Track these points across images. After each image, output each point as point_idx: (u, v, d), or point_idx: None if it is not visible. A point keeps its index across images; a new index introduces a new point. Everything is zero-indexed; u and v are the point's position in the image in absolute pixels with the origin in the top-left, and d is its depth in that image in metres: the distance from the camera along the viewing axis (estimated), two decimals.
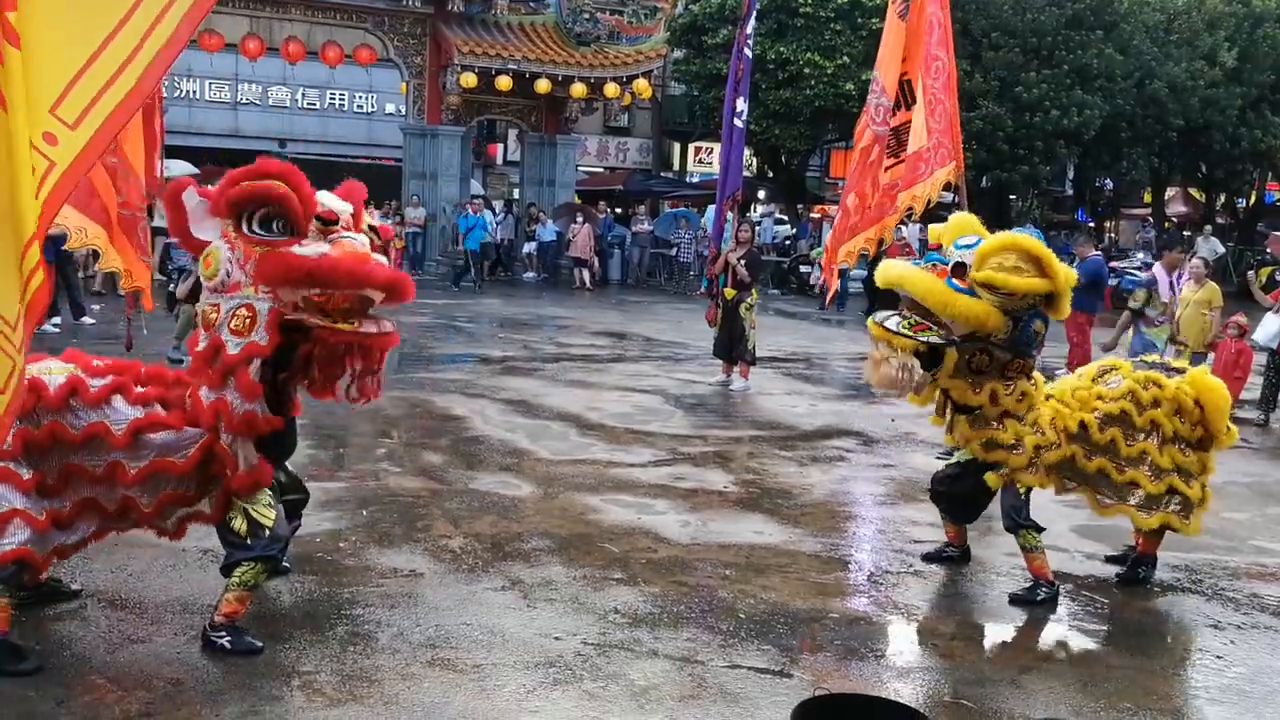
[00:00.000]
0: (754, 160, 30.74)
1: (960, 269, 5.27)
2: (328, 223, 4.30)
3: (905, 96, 9.03)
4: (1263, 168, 32.00)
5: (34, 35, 3.17)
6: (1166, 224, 35.47)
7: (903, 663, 4.79)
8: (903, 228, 16.42)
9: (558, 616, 4.99)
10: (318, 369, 4.47)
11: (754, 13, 12.07)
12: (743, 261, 11.32)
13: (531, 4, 24.73)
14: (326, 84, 33.78)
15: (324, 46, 22.59)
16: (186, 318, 11.11)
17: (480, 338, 14.58)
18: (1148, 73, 26.27)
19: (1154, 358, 6.53)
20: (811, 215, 30.53)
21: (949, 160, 8.86)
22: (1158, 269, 10.96)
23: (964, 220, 5.72)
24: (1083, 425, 5.54)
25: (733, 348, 11.45)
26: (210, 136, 33.53)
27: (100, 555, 5.15)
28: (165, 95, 25.90)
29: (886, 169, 9.03)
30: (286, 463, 4.96)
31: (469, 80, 22.14)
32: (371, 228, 4.60)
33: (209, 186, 4.38)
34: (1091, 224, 34.09)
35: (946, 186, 9.18)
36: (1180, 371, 5.85)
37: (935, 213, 11.22)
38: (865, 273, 13.14)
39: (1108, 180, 34.06)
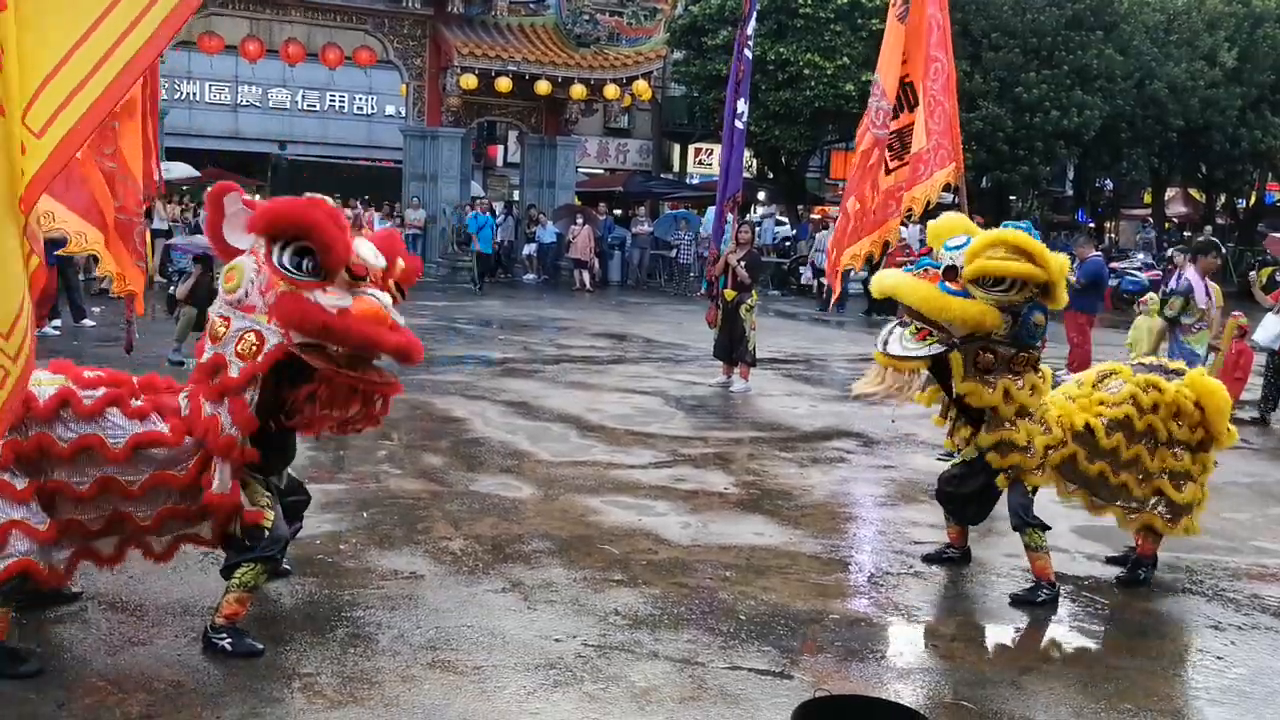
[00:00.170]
0: (754, 161, 30.78)
1: (952, 272, 5.28)
2: (357, 276, 4.28)
3: (907, 98, 9.03)
4: (1263, 168, 32.01)
5: (10, 39, 3.09)
6: (1166, 224, 35.51)
7: (903, 664, 4.78)
8: (903, 229, 16.43)
9: (558, 618, 4.99)
10: (318, 407, 4.39)
11: (754, 14, 12.08)
12: (743, 263, 11.32)
13: (531, 5, 24.76)
14: (326, 86, 33.82)
15: (324, 48, 22.62)
16: (187, 319, 11.13)
17: (480, 339, 14.59)
18: (1148, 73, 26.28)
19: (1150, 360, 6.52)
20: (812, 216, 30.54)
21: (948, 161, 8.87)
22: (1191, 274, 10.80)
23: (953, 221, 5.71)
24: (1088, 428, 5.54)
25: (733, 349, 11.45)
26: (210, 139, 33.58)
27: None
28: (165, 97, 25.95)
29: (890, 171, 9.03)
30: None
31: (469, 82, 22.17)
32: (399, 285, 4.56)
33: (255, 197, 4.39)
34: (1092, 225, 34.10)
35: (946, 188, 9.18)
36: (1180, 374, 5.85)
37: (935, 214, 11.20)
38: (865, 274, 13.15)
39: (1108, 181, 34.07)
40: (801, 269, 24.68)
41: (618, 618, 5.02)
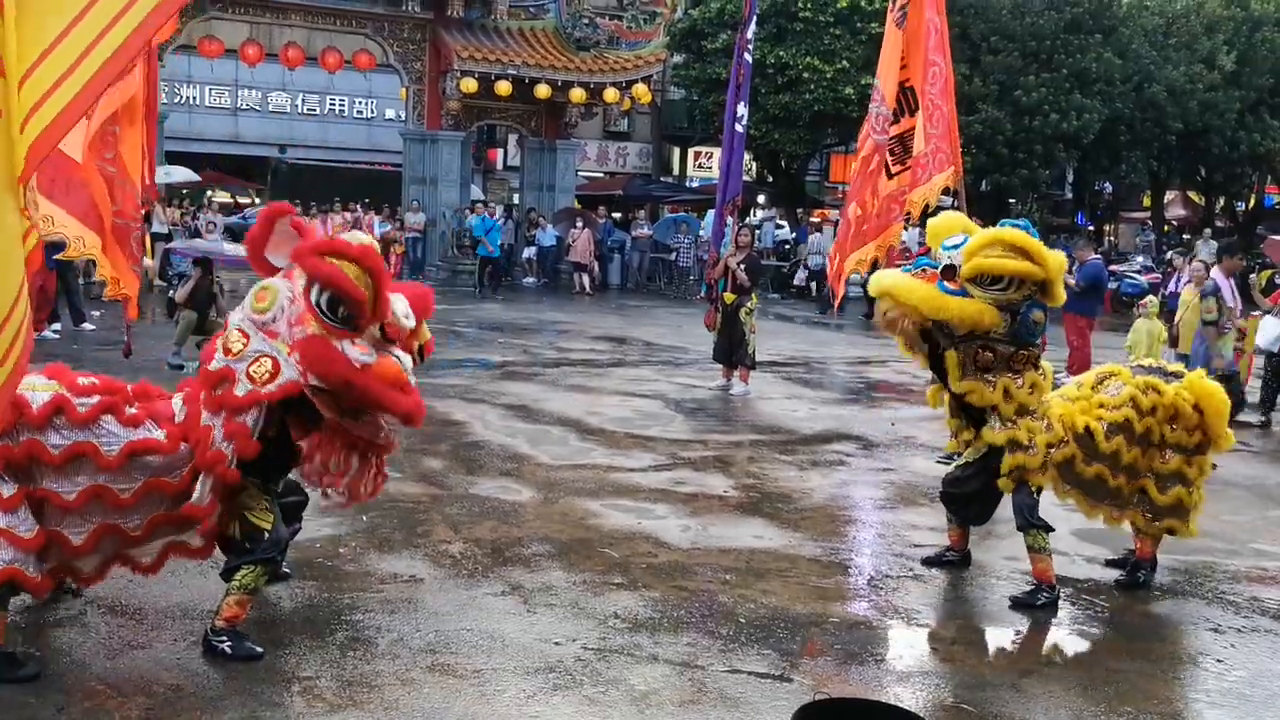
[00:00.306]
0: (753, 165, 30.79)
1: (950, 271, 5.29)
2: (389, 339, 4.33)
3: (908, 103, 9.05)
4: (1262, 171, 31.99)
5: (9, 17, 3.09)
6: (1166, 227, 35.50)
7: (903, 667, 4.78)
8: (902, 233, 16.46)
9: (558, 621, 4.98)
10: (318, 456, 4.45)
11: (754, 18, 12.09)
12: (742, 266, 11.32)
13: (531, 9, 24.77)
14: (326, 89, 33.86)
15: (323, 52, 22.64)
16: (186, 323, 11.13)
17: (480, 343, 14.59)
18: (1146, 76, 26.29)
19: (1149, 362, 6.52)
20: (811, 220, 30.54)
21: (947, 165, 8.89)
22: (1218, 276, 10.73)
23: (951, 220, 5.73)
24: (1088, 431, 5.54)
25: (733, 352, 11.45)
26: (210, 142, 33.61)
27: None
28: (165, 101, 25.97)
29: (892, 176, 9.05)
30: None
31: (469, 85, 22.17)
32: (421, 348, 4.62)
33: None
34: (1091, 227, 34.06)
35: (945, 191, 9.20)
36: (1179, 376, 5.85)
37: (933, 217, 11.22)
38: (864, 278, 13.18)
39: (1107, 184, 34.06)
40: (800, 270, 24.72)
41: (617, 621, 5.02)
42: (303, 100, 34.77)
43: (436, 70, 23.26)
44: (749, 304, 11.34)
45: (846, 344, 16.54)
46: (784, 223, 31.27)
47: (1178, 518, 5.74)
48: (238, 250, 12.92)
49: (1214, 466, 6.06)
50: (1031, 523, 5.54)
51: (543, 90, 22.81)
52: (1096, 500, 5.70)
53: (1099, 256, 15.27)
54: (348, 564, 5.61)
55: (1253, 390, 11.45)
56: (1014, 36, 25.56)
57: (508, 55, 22.72)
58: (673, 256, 25.72)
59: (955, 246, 5.34)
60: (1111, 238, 37.18)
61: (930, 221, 5.85)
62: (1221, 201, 35.32)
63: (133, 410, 4.27)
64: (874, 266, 9.47)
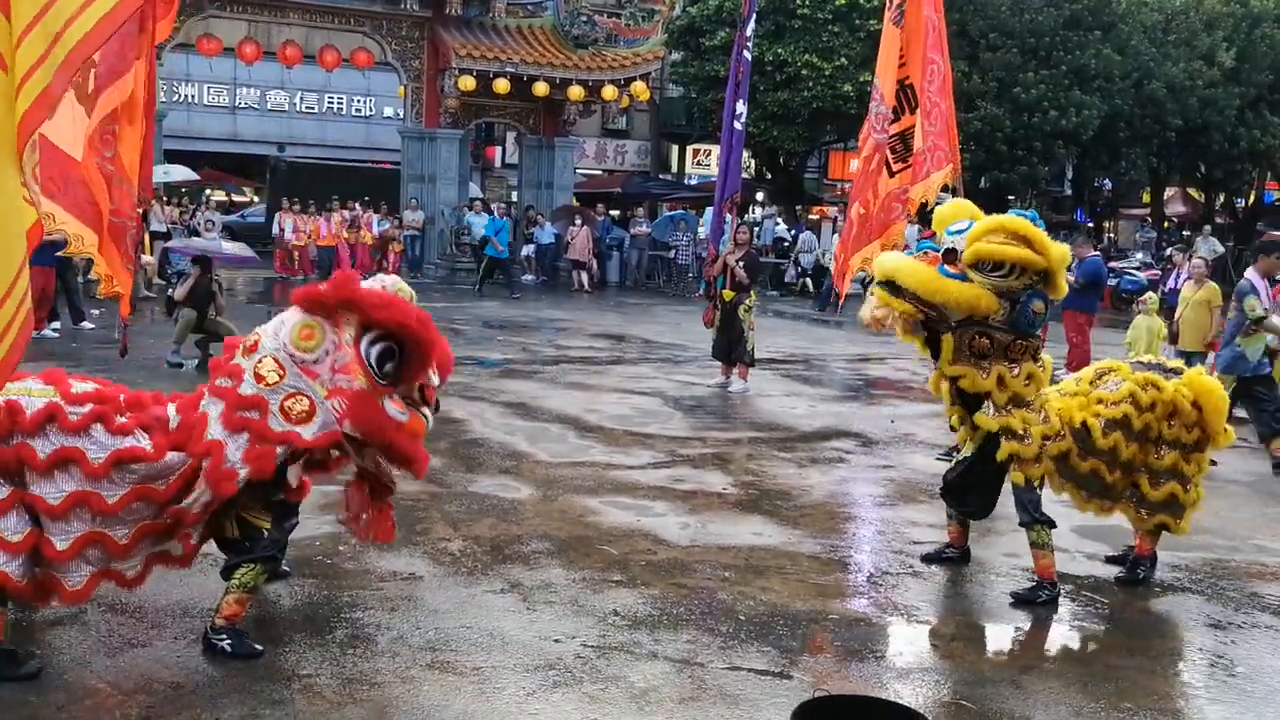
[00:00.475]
0: (752, 162, 30.77)
1: (951, 254, 5.31)
2: (426, 400, 4.43)
3: (908, 100, 9.05)
4: (1261, 167, 31.99)
5: None
6: (1165, 224, 35.51)
7: (903, 663, 4.79)
8: (905, 230, 16.47)
9: (557, 619, 4.99)
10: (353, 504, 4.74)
11: (753, 15, 12.08)
12: (741, 263, 11.32)
13: (529, 7, 24.77)
14: (324, 88, 33.83)
15: (321, 50, 22.63)
16: (185, 321, 11.12)
17: (479, 340, 14.59)
18: (1146, 73, 26.29)
19: (1148, 358, 6.52)
20: (810, 217, 30.54)
21: (946, 163, 8.89)
22: (1253, 276, 10.62)
23: (957, 206, 5.76)
24: (1085, 426, 5.54)
25: (731, 349, 11.45)
26: (209, 141, 33.60)
27: None
28: (163, 99, 25.94)
29: (894, 174, 9.06)
30: None
31: (467, 83, 22.16)
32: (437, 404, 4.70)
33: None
34: (1090, 224, 34.07)
35: (945, 189, 9.20)
36: (1178, 373, 5.85)
37: (931, 215, 11.23)
38: (864, 274, 13.17)
39: (1106, 180, 34.07)
40: (790, 267, 24.77)
41: (617, 618, 5.02)
42: (301, 98, 34.75)
43: (435, 68, 23.25)
44: (748, 301, 11.34)
45: (846, 341, 16.54)
46: (780, 220, 31.28)
47: (1170, 514, 5.74)
48: (236, 248, 12.93)
49: (1213, 463, 6.05)
50: (1035, 519, 5.54)
51: (541, 88, 22.81)
52: (1091, 494, 5.69)
53: (1098, 253, 15.25)
54: (347, 562, 5.62)
55: None
56: (1013, 33, 25.56)
57: (506, 53, 22.71)
58: (671, 254, 25.72)
59: (959, 232, 5.37)
60: (1111, 234, 37.19)
61: (937, 209, 5.87)
62: (1221, 198, 35.33)
63: (123, 419, 4.24)
64: None
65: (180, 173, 26.57)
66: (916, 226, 19.57)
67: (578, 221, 23.73)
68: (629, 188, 33.98)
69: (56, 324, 13.07)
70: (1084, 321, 12.60)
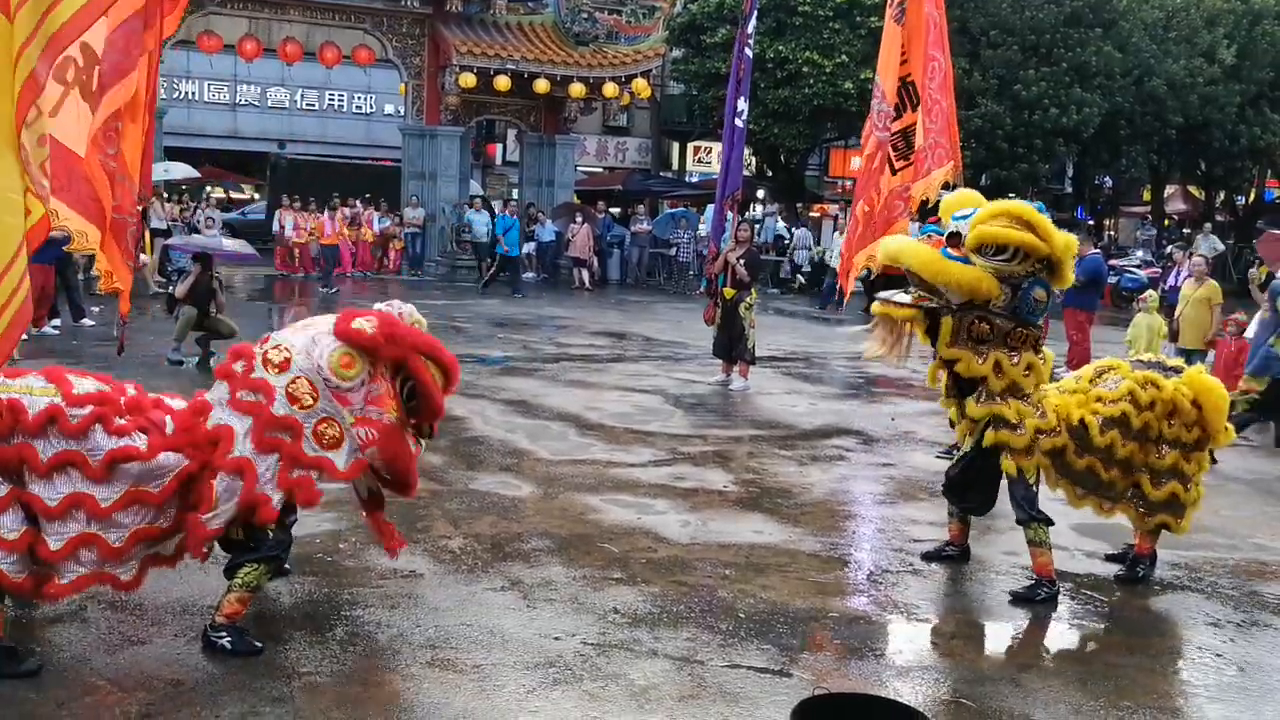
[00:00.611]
0: (752, 160, 30.75)
1: (955, 238, 5.34)
2: (432, 434, 4.78)
3: (910, 98, 9.05)
4: (1262, 165, 31.98)
5: None
6: (1166, 222, 35.49)
7: (902, 662, 4.79)
8: (909, 227, 16.49)
9: (557, 617, 4.99)
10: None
11: (755, 12, 12.07)
12: (742, 261, 11.32)
13: (530, 4, 24.74)
14: (325, 85, 33.81)
15: (322, 47, 22.60)
16: (186, 319, 11.12)
17: (479, 338, 14.59)
18: (1146, 70, 26.27)
19: (1148, 356, 6.52)
20: (810, 214, 30.52)
21: (946, 160, 8.90)
22: None
23: (965, 195, 5.80)
24: (1082, 424, 5.53)
25: (732, 347, 11.45)
26: (209, 138, 33.57)
27: None
28: (163, 96, 25.91)
29: (896, 172, 9.07)
30: None
31: (468, 80, 22.14)
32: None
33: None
34: (1091, 222, 34.06)
35: (945, 186, 9.20)
36: (1178, 371, 5.85)
37: (932, 212, 11.23)
38: (866, 271, 13.18)
39: (1107, 178, 34.06)
40: (784, 263, 24.79)
41: (617, 616, 5.03)
42: (302, 95, 34.71)
43: (435, 65, 23.23)
44: (749, 299, 11.34)
45: (847, 339, 16.53)
46: (780, 218, 31.27)
47: (1171, 513, 5.74)
48: (237, 245, 12.93)
49: (1213, 460, 6.05)
50: (1032, 516, 5.55)
51: (542, 85, 22.79)
52: (1086, 490, 5.69)
53: (1099, 251, 15.27)
54: (347, 559, 5.62)
55: None
56: (1013, 30, 25.54)
57: (507, 50, 22.69)
58: (672, 252, 25.72)
59: (964, 217, 5.40)
60: (1111, 232, 37.17)
61: (945, 197, 5.89)
62: (1221, 196, 35.32)
63: (122, 421, 4.24)
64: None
65: (180, 170, 26.55)
66: (918, 224, 19.60)
67: (578, 219, 23.72)
68: (630, 185, 33.96)
69: (57, 321, 13.07)
70: (1084, 319, 12.60)
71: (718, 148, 25.96)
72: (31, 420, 4.06)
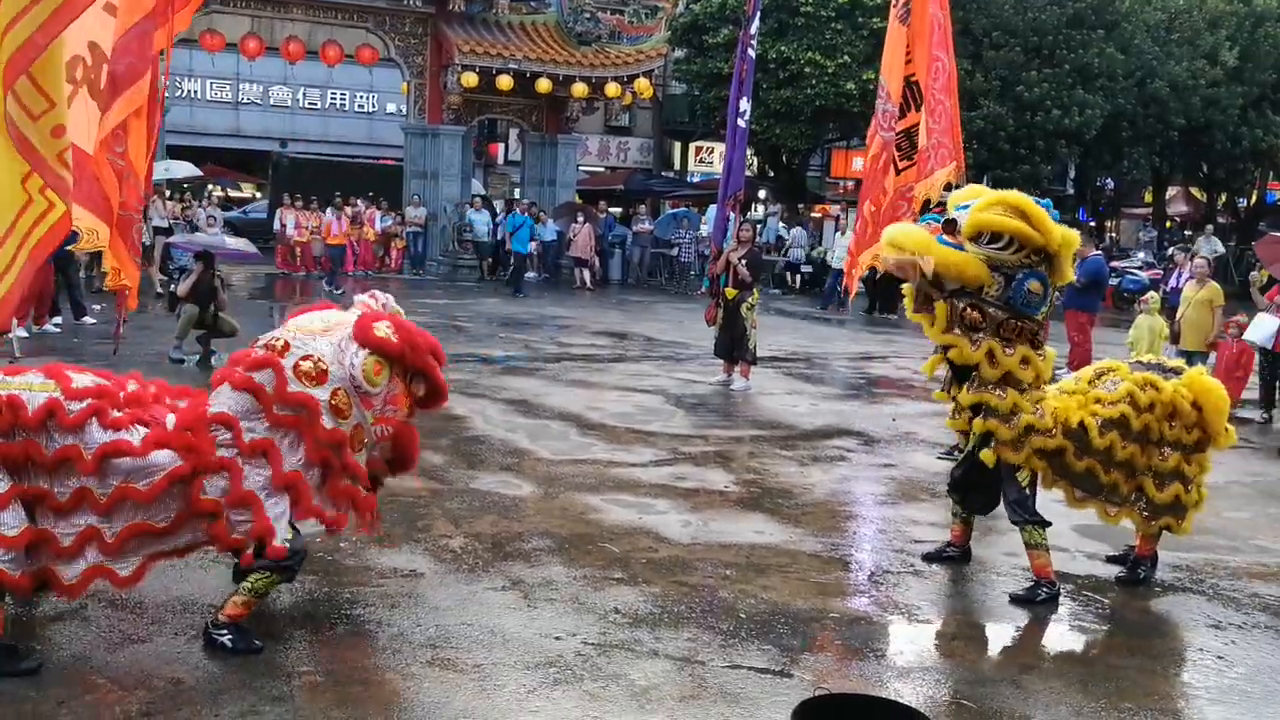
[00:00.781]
0: (754, 160, 30.75)
1: (951, 225, 5.36)
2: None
3: (914, 97, 9.06)
4: (1264, 167, 31.99)
5: None
6: (1168, 223, 35.49)
7: (903, 662, 4.78)
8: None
9: (558, 616, 4.99)
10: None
11: (758, 13, 12.06)
12: (744, 261, 11.31)
13: (532, 3, 24.73)
14: (327, 84, 33.82)
15: (324, 46, 22.59)
16: (188, 317, 11.13)
17: (481, 337, 14.58)
18: (1149, 72, 26.27)
19: (1148, 358, 6.52)
20: (812, 215, 30.51)
21: (949, 160, 8.91)
22: None
23: (975, 189, 5.82)
24: (1082, 426, 5.53)
25: (734, 347, 11.44)
26: (212, 136, 33.58)
27: None
28: (166, 95, 25.94)
29: (900, 171, 9.08)
30: None
31: (470, 80, 22.14)
32: None
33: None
34: (1092, 223, 34.06)
35: (948, 187, 9.20)
36: (1178, 372, 5.84)
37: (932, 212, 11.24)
38: (870, 271, 13.20)
39: (1109, 179, 34.05)
40: (779, 261, 24.83)
41: (618, 616, 5.02)
42: (304, 94, 34.71)
43: (438, 64, 23.23)
44: (750, 299, 11.33)
45: (848, 339, 16.54)
46: (782, 219, 31.26)
47: (1174, 515, 5.74)
48: (239, 244, 12.93)
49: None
50: (1026, 519, 5.54)
51: (544, 85, 22.78)
52: (1087, 493, 5.68)
53: (1100, 252, 15.27)
54: (348, 558, 5.62)
55: (1252, 388, 11.43)
56: (1016, 32, 25.53)
57: (509, 49, 22.69)
58: (674, 252, 25.72)
59: (967, 207, 5.42)
60: (1113, 234, 37.18)
61: (954, 192, 5.91)
62: (1223, 197, 35.32)
63: (118, 414, 4.24)
64: None
65: (182, 168, 26.57)
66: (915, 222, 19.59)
67: (580, 219, 23.72)
68: (631, 185, 33.95)
69: (58, 319, 13.08)
70: (1085, 321, 12.60)
71: (720, 148, 25.99)
72: (31, 416, 4.06)
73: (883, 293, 19.65)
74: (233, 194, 35.10)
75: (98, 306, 13.97)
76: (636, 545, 6.08)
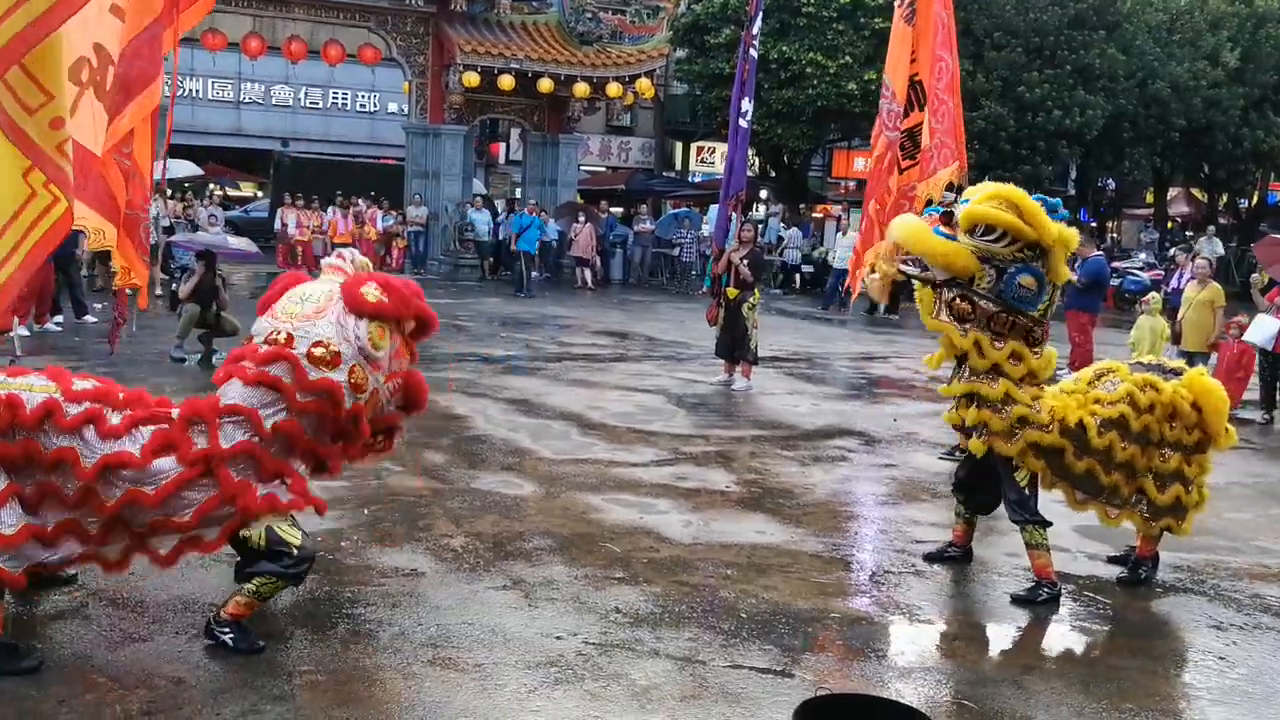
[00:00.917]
0: (756, 160, 30.75)
1: (948, 217, 5.42)
2: None
3: (917, 97, 9.07)
4: (1265, 168, 31.99)
5: None
6: (1169, 224, 35.48)
7: (904, 663, 4.78)
8: None
9: (559, 616, 4.98)
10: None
11: (760, 13, 12.06)
12: (745, 261, 11.31)
13: (534, 3, 24.73)
14: (329, 83, 33.83)
15: (326, 45, 22.59)
16: (189, 317, 11.13)
17: (482, 336, 14.58)
18: (1150, 73, 26.26)
19: (1149, 359, 6.52)
20: (813, 215, 30.49)
21: (951, 160, 8.91)
22: None
23: (985, 186, 5.84)
24: (1080, 425, 5.52)
25: (735, 347, 11.44)
26: (213, 135, 33.59)
27: None
28: (167, 94, 25.92)
29: (903, 171, 9.08)
30: None
31: (471, 79, 22.13)
32: None
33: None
34: (1094, 224, 34.04)
35: (950, 187, 9.21)
36: (1178, 373, 5.84)
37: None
38: (872, 270, 13.22)
39: (1110, 180, 34.04)
40: (775, 261, 24.84)
41: (619, 616, 5.02)
42: (305, 94, 34.73)
43: (439, 64, 23.23)
44: (751, 299, 11.33)
45: (849, 339, 16.53)
46: (783, 219, 31.26)
47: (1174, 516, 5.74)
48: (241, 244, 12.93)
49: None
50: (1026, 519, 5.54)
51: (545, 84, 22.77)
52: (1087, 495, 5.68)
53: (1101, 253, 15.26)
54: (349, 558, 5.61)
55: (1252, 389, 11.43)
56: (1017, 32, 25.52)
57: (511, 49, 22.69)
58: (675, 251, 25.71)
59: (967, 201, 5.46)
60: (1114, 234, 37.16)
61: (970, 189, 5.92)
62: (1225, 198, 35.32)
63: (116, 420, 4.22)
64: None
65: (183, 168, 26.58)
66: None
67: (581, 218, 23.71)
68: (633, 185, 33.95)
69: (59, 318, 13.08)
70: (1086, 321, 12.59)
71: (721, 148, 25.98)
72: (29, 415, 4.07)
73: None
74: (233, 193, 35.13)
75: (99, 305, 13.97)
76: (637, 545, 6.07)
